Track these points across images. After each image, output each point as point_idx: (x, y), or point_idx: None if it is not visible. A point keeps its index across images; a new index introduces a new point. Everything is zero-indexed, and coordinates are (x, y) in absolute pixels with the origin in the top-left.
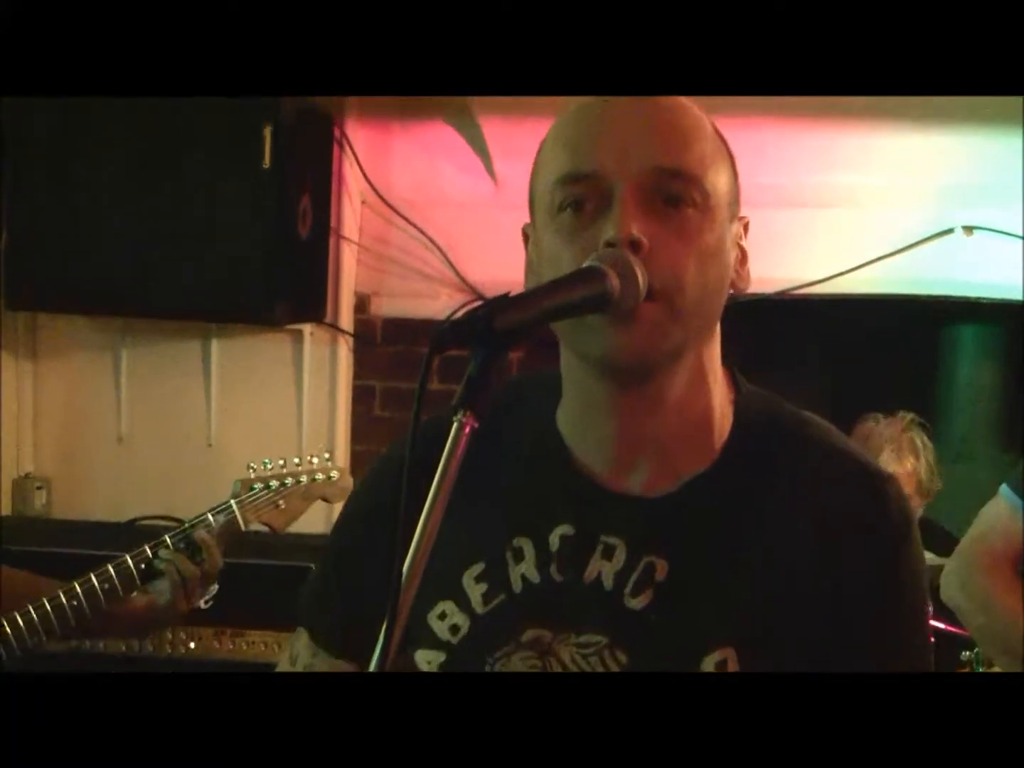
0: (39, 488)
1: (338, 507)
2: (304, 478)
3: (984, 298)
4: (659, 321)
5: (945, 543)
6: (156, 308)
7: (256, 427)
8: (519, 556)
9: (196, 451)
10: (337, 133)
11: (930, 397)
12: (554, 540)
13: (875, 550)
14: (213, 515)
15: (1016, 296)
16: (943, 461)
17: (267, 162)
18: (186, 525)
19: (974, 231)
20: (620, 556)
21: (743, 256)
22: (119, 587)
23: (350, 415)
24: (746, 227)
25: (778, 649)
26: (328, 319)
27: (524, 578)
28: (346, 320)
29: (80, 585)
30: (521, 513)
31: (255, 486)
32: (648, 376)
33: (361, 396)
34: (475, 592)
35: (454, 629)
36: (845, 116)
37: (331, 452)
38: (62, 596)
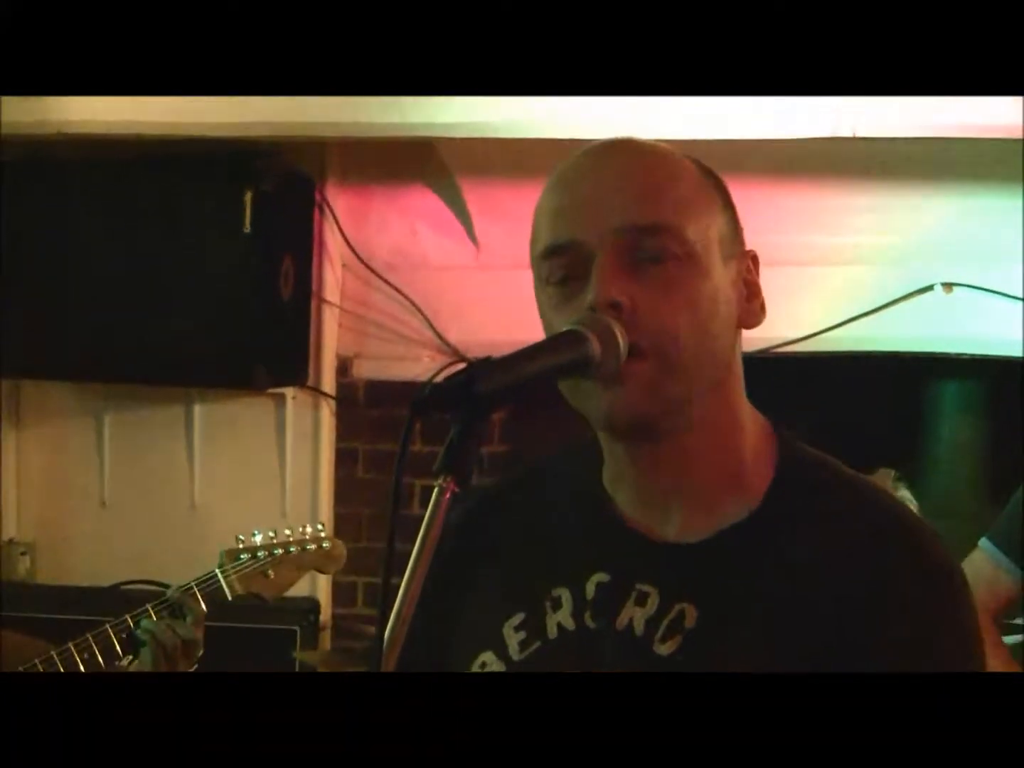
0: (23, 554)
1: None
2: (295, 548)
3: (965, 354)
4: (650, 378)
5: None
6: (138, 373)
7: (239, 490)
8: (557, 605)
9: (180, 515)
10: (318, 197)
11: (913, 453)
12: (590, 588)
13: (925, 608)
14: (197, 585)
15: (996, 351)
16: (926, 517)
17: (248, 227)
18: (169, 595)
19: (954, 288)
20: (653, 603)
21: (750, 292)
22: (99, 657)
23: (333, 478)
24: (754, 260)
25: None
26: (310, 382)
27: (560, 626)
28: (328, 383)
29: (59, 655)
30: (562, 564)
31: (242, 556)
32: (654, 433)
33: (344, 459)
34: (513, 641)
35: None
36: (823, 176)
37: (324, 523)
38: (39, 666)
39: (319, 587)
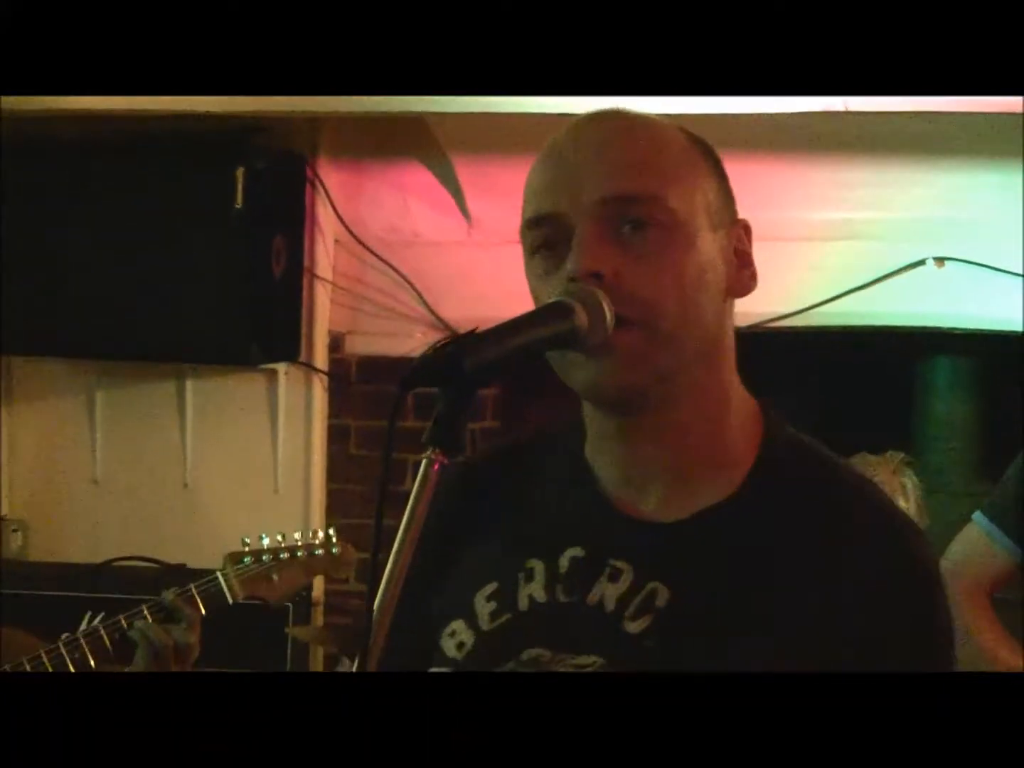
0: (15, 531)
1: None
2: (302, 552)
3: (957, 329)
4: (638, 348)
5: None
6: (130, 350)
7: (232, 467)
8: (530, 577)
9: (172, 492)
10: (310, 174)
11: (905, 430)
12: (564, 562)
13: (898, 603)
14: (196, 587)
15: (989, 326)
16: (923, 493)
17: (239, 203)
18: (164, 597)
19: (946, 262)
20: (626, 580)
21: (741, 261)
22: (90, 657)
23: (325, 454)
24: (746, 229)
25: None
26: (302, 358)
27: (531, 598)
28: (321, 359)
29: (47, 654)
30: (539, 536)
31: (245, 559)
32: (642, 404)
33: (336, 435)
34: (484, 610)
35: (460, 646)
36: (814, 151)
37: (334, 531)
38: (26, 665)
39: None
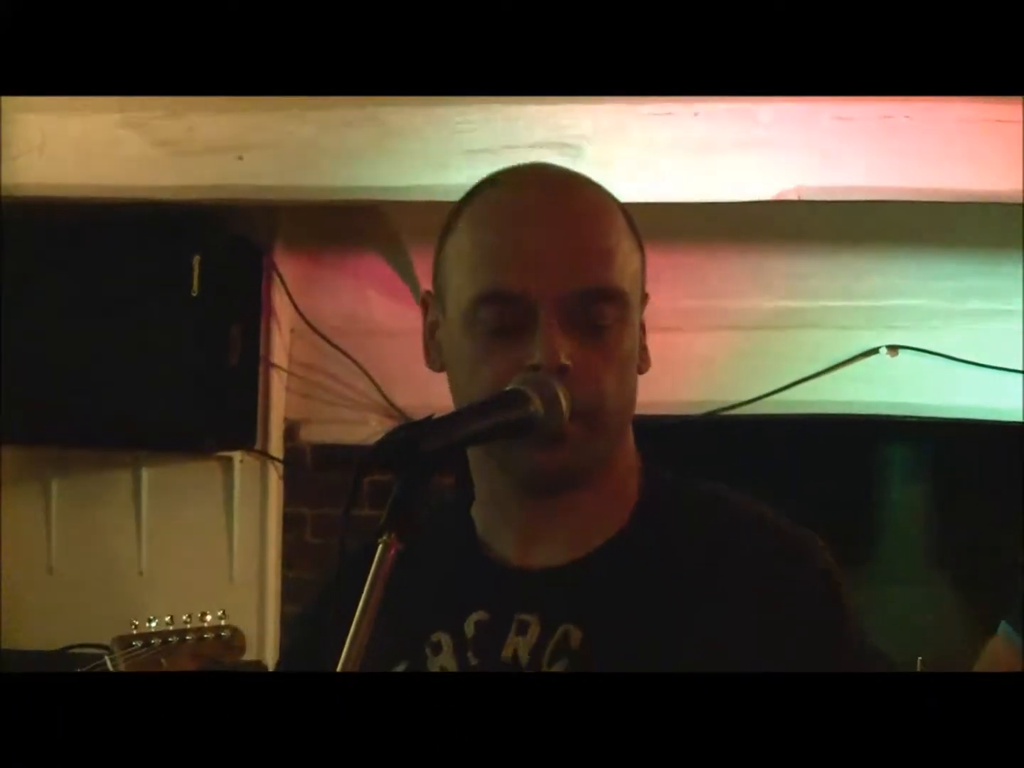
0: None
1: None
2: (191, 636)
3: (911, 417)
4: (582, 439)
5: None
6: (85, 437)
7: (187, 555)
8: (437, 649)
9: (127, 580)
10: (266, 262)
11: (862, 518)
12: (469, 627)
13: (804, 606)
14: (83, 672)
15: (943, 414)
16: (878, 583)
17: (195, 291)
18: None
19: (899, 351)
20: (535, 631)
21: (643, 335)
22: None
23: (281, 542)
24: (644, 300)
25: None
26: (258, 446)
27: (443, 669)
28: (276, 447)
29: None
30: (438, 608)
31: (134, 643)
32: (573, 486)
33: (292, 523)
34: None
35: None
36: (767, 240)
37: (225, 610)
38: None
39: (267, 652)
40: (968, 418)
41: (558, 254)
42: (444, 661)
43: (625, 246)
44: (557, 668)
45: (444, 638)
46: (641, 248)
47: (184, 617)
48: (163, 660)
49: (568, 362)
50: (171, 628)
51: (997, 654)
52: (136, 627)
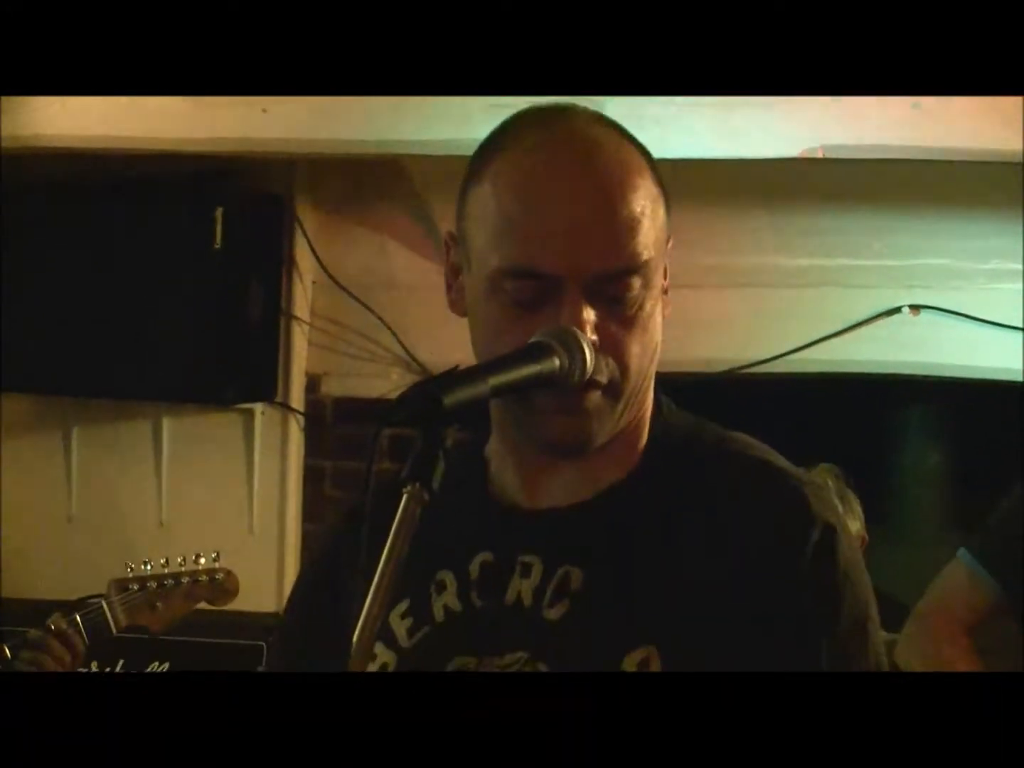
0: None
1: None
2: (186, 579)
3: (931, 377)
4: (603, 410)
5: (899, 619)
6: (107, 388)
7: (207, 506)
8: (441, 588)
9: (147, 530)
10: (288, 215)
11: (880, 478)
12: (474, 568)
13: (796, 544)
14: (81, 616)
15: (963, 375)
16: (890, 542)
17: (218, 243)
18: (48, 626)
19: (921, 310)
20: (537, 572)
21: (666, 278)
22: None
23: (301, 494)
24: (667, 241)
25: (701, 647)
26: (279, 399)
27: (446, 608)
28: (297, 400)
29: None
30: (443, 547)
31: (131, 586)
32: (587, 453)
33: (312, 475)
34: (400, 628)
35: (383, 667)
36: (792, 196)
37: (218, 552)
38: None
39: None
40: (989, 378)
41: (586, 233)
42: (448, 600)
43: (650, 206)
44: (557, 608)
45: (448, 577)
46: (665, 194)
47: (179, 559)
48: (159, 603)
49: (593, 336)
50: (166, 571)
51: (953, 577)
52: (132, 569)
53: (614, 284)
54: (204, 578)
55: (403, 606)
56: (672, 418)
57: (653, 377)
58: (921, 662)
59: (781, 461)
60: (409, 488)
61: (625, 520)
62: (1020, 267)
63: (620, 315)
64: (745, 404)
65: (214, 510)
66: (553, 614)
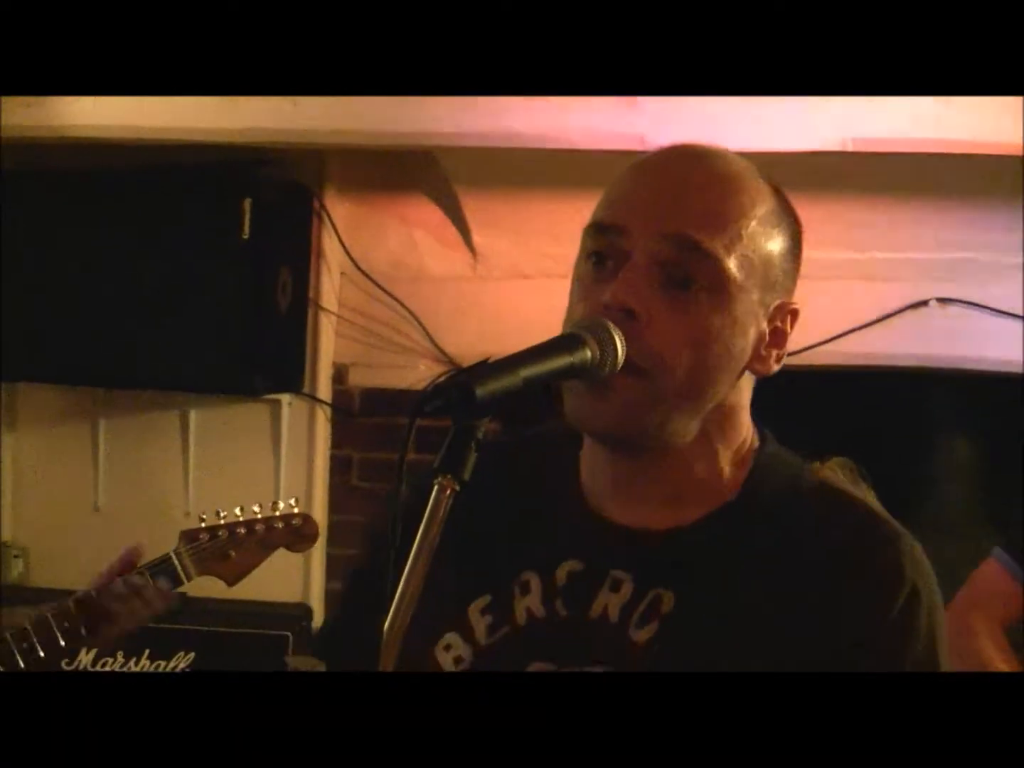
0: (16, 557)
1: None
2: (260, 526)
3: (960, 370)
4: (637, 397)
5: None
6: (134, 378)
7: (234, 496)
8: (525, 590)
9: (173, 520)
10: (316, 206)
11: (908, 470)
12: (561, 575)
13: (881, 601)
14: (150, 569)
15: (992, 368)
16: (924, 535)
17: (246, 234)
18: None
19: (949, 304)
20: (627, 589)
21: (774, 340)
22: (40, 649)
23: (327, 485)
24: (794, 314)
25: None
26: (306, 389)
27: (528, 611)
28: (324, 390)
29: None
30: (531, 548)
31: (201, 536)
32: (634, 447)
33: (338, 466)
34: (480, 624)
35: (457, 660)
36: (818, 190)
37: (299, 497)
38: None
39: (312, 593)
40: (1017, 372)
41: (662, 199)
42: (531, 603)
43: (751, 230)
44: (645, 631)
45: (534, 579)
46: (793, 246)
47: (255, 507)
48: (232, 552)
49: (638, 307)
50: (240, 519)
51: (988, 576)
52: (204, 520)
53: (682, 257)
54: (280, 524)
55: (483, 601)
56: (775, 453)
57: (726, 386)
58: (961, 662)
59: (883, 512)
60: (441, 479)
61: (721, 549)
62: None
63: (677, 303)
64: (774, 395)
65: (241, 500)
66: (640, 636)
